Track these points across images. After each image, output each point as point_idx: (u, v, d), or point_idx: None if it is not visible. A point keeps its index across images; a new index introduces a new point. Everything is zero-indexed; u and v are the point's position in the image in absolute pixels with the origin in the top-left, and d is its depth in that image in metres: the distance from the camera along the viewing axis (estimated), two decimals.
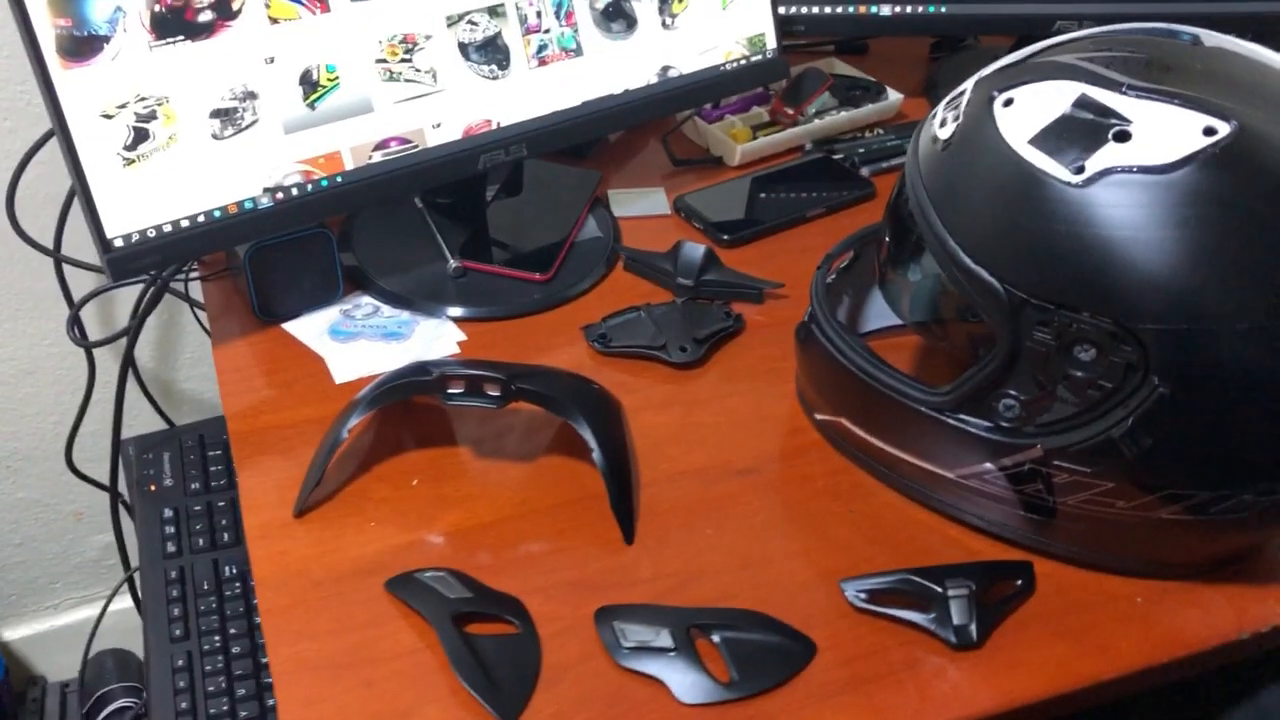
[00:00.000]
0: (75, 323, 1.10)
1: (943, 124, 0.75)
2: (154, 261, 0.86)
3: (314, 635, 0.72)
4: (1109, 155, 0.65)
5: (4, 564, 1.46)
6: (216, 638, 1.01)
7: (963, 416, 0.74)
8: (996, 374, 0.71)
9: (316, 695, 0.68)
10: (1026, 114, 0.69)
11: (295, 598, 0.74)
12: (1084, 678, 0.71)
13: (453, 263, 1.02)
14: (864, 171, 1.17)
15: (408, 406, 0.88)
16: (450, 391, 0.79)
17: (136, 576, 1.25)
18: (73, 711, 1.52)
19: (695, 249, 1.00)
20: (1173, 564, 0.75)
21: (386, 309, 0.99)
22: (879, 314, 0.93)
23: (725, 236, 1.07)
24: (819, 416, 0.86)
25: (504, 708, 0.67)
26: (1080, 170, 0.66)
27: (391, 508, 0.81)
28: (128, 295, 1.26)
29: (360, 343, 0.95)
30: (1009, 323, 0.69)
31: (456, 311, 0.98)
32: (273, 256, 0.95)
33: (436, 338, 0.95)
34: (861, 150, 1.19)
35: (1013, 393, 0.71)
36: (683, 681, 0.69)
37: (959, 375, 0.74)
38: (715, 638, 0.71)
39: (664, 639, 0.70)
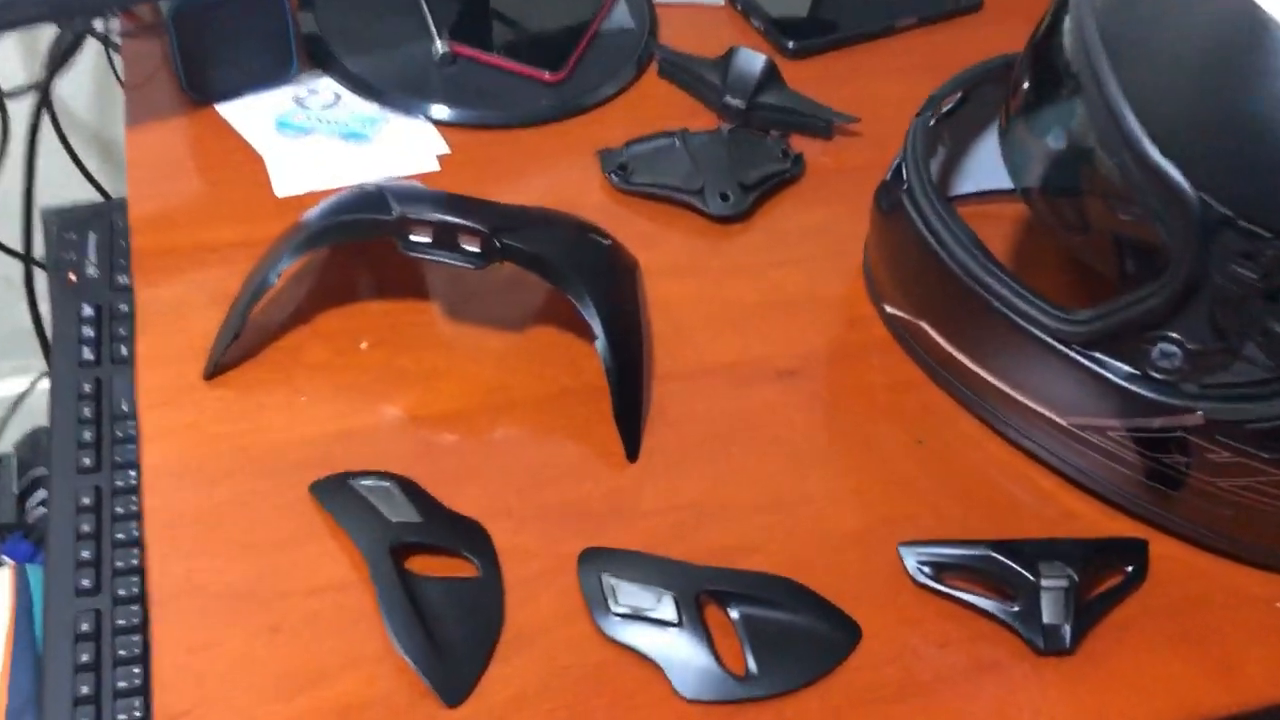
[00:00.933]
0: None
1: None
2: (35, 14, 0.64)
3: (212, 551, 0.55)
4: None
5: None
6: (132, 474, 0.85)
7: (1099, 355, 0.55)
8: (1161, 309, 0.51)
9: (206, 639, 0.52)
10: None
11: (196, 494, 0.57)
12: (1205, 704, 0.55)
13: (440, 46, 0.79)
14: None
15: (363, 246, 0.68)
16: (413, 239, 0.59)
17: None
18: (5, 488, 1.39)
19: (753, 59, 0.78)
20: None
21: (350, 99, 0.77)
22: (981, 173, 0.72)
23: (791, 43, 0.84)
24: (890, 310, 0.67)
25: (448, 683, 0.51)
26: None
27: (330, 378, 0.63)
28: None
29: (312, 141, 0.74)
30: (1196, 245, 0.49)
31: (440, 112, 0.77)
32: (208, 14, 0.73)
33: (410, 145, 0.75)
34: None
35: (1177, 337, 0.52)
36: (685, 669, 0.52)
37: (1092, 284, 0.54)
38: (733, 613, 0.54)
39: (666, 608, 0.54)
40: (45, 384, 1.22)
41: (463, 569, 0.55)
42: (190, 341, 0.63)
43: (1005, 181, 0.67)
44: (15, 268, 1.27)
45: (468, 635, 0.53)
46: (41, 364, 1.37)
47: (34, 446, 1.39)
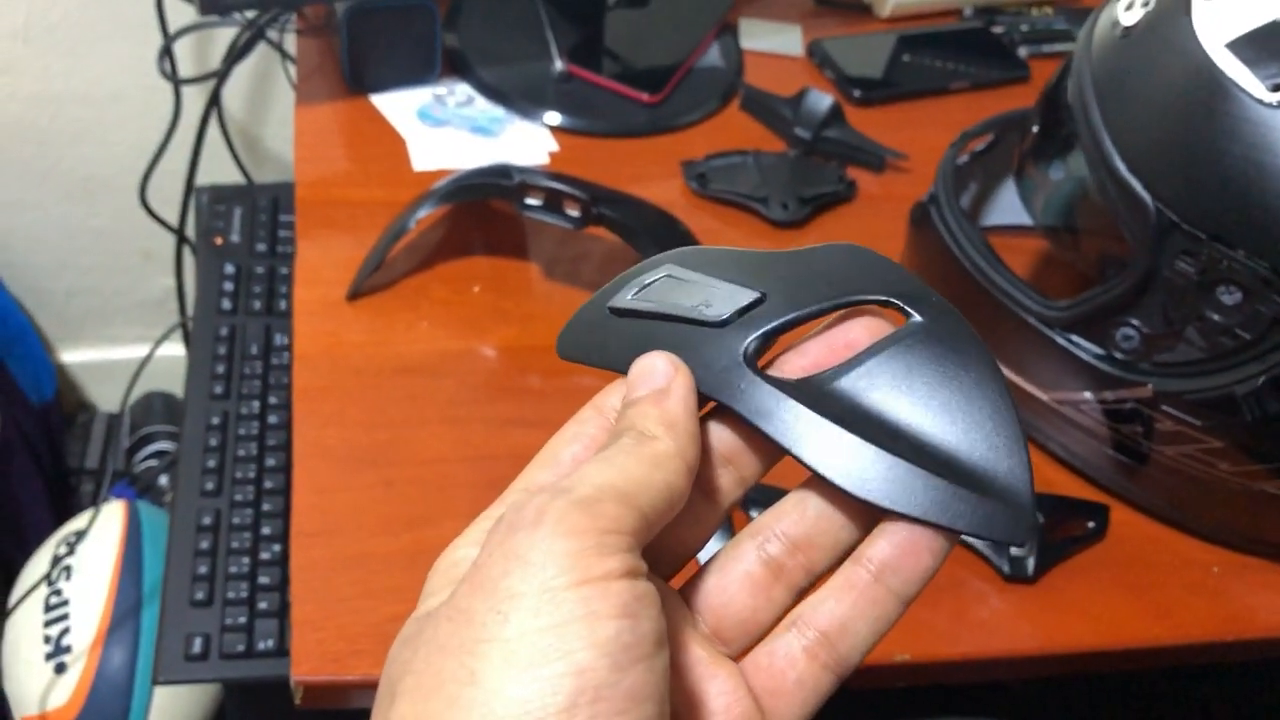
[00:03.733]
0: (166, 54, 1.06)
1: (1129, 7, 0.65)
2: (247, 1, 0.80)
3: (342, 423, 0.69)
4: None
5: (72, 288, 1.46)
6: (255, 403, 0.99)
7: (1075, 338, 0.67)
8: (1123, 298, 0.63)
9: (332, 484, 0.66)
10: (1231, 13, 0.60)
11: (331, 381, 0.71)
12: (1137, 637, 0.65)
13: (559, 65, 0.95)
14: (1021, 52, 1.06)
15: (482, 209, 0.83)
16: (528, 202, 0.73)
17: (190, 325, 1.24)
18: (118, 444, 1.54)
19: (821, 99, 0.92)
20: (1262, 541, 0.69)
21: (481, 101, 0.92)
22: (1004, 209, 0.85)
23: (857, 93, 0.98)
24: None
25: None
26: (1278, 89, 0.57)
27: (448, 310, 0.77)
28: (226, 39, 1.21)
29: (447, 131, 0.89)
30: (1151, 245, 0.61)
31: (554, 118, 0.92)
32: (372, 21, 0.89)
33: (527, 142, 0.89)
34: (1025, 28, 1.08)
35: (1135, 323, 0.64)
36: None
37: (1072, 285, 0.67)
38: (752, 514, 0.66)
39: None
40: (161, 351, 1.37)
41: None
42: (338, 274, 0.77)
43: (1024, 217, 0.80)
44: (153, 242, 1.43)
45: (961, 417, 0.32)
46: (159, 334, 1.53)
47: (146, 409, 1.54)
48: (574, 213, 0.73)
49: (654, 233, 0.75)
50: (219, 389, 1.00)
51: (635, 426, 0.32)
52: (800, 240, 0.86)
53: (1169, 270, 0.61)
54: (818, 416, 0.30)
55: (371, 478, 0.66)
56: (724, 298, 0.33)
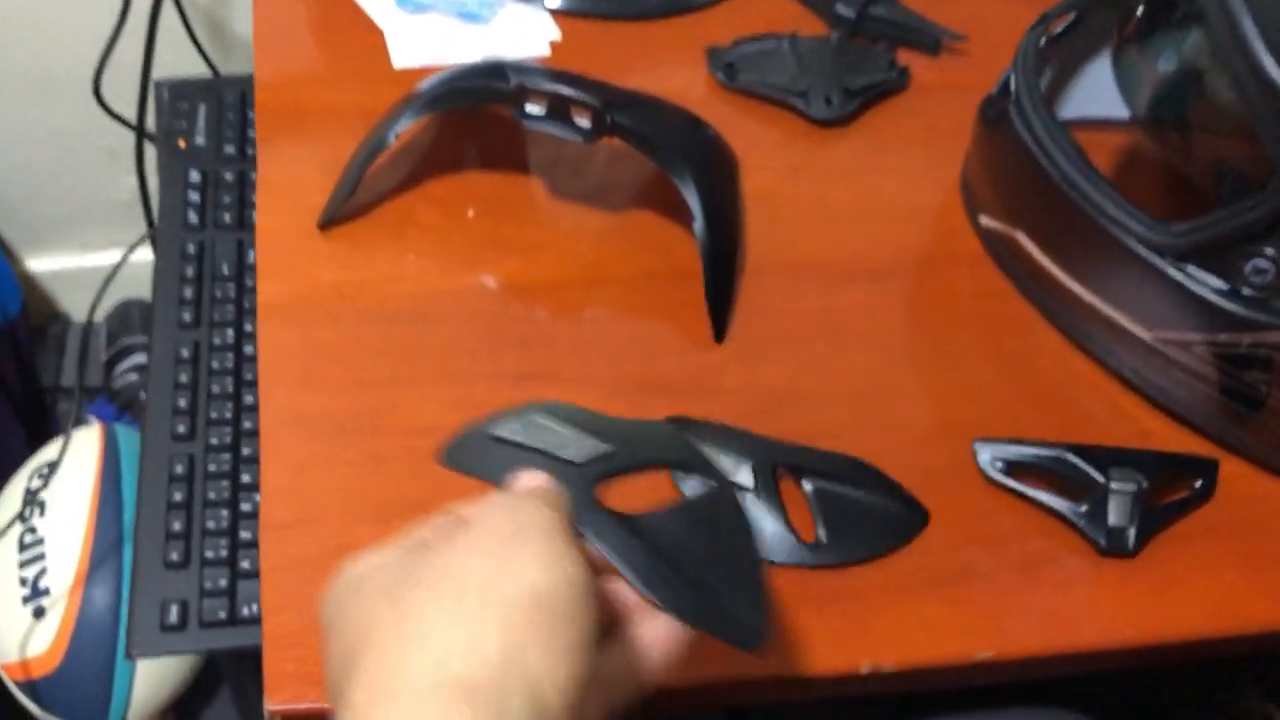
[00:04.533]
0: None
1: None
2: None
3: (320, 385, 0.58)
4: None
5: (31, 193, 1.34)
6: (229, 331, 0.88)
7: (1192, 269, 0.55)
8: (1260, 223, 0.52)
9: (309, 460, 0.55)
10: None
11: (304, 332, 0.60)
12: (1257, 620, 0.56)
13: None
14: None
15: (476, 117, 0.70)
16: (529, 110, 0.61)
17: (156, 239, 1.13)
18: (95, 355, 1.44)
19: None
20: None
21: None
22: (1085, 99, 0.72)
23: None
24: (986, 222, 0.68)
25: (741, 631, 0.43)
26: None
27: (438, 238, 0.65)
28: None
29: (431, 18, 0.76)
30: None
31: (555, 0, 0.78)
32: None
33: (524, 29, 0.76)
34: None
35: (1272, 253, 0.53)
36: (759, 532, 0.55)
37: (1191, 210, 0.55)
38: (806, 485, 0.56)
39: (744, 474, 0.56)
40: (137, 256, 1.26)
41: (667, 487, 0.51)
42: (308, 195, 0.66)
43: (1108, 110, 0.68)
44: (119, 140, 1.31)
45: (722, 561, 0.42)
46: (133, 238, 1.42)
47: (123, 318, 1.44)
48: (584, 122, 0.61)
49: (679, 143, 0.63)
50: (188, 316, 0.89)
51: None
52: (847, 141, 0.74)
53: None
54: (635, 541, 0.40)
55: (356, 452, 0.56)
56: (581, 446, 0.44)
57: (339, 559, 0.52)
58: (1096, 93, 0.69)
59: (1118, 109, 0.66)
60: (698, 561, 0.41)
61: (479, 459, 0.45)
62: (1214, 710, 0.81)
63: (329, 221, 0.64)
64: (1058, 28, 0.69)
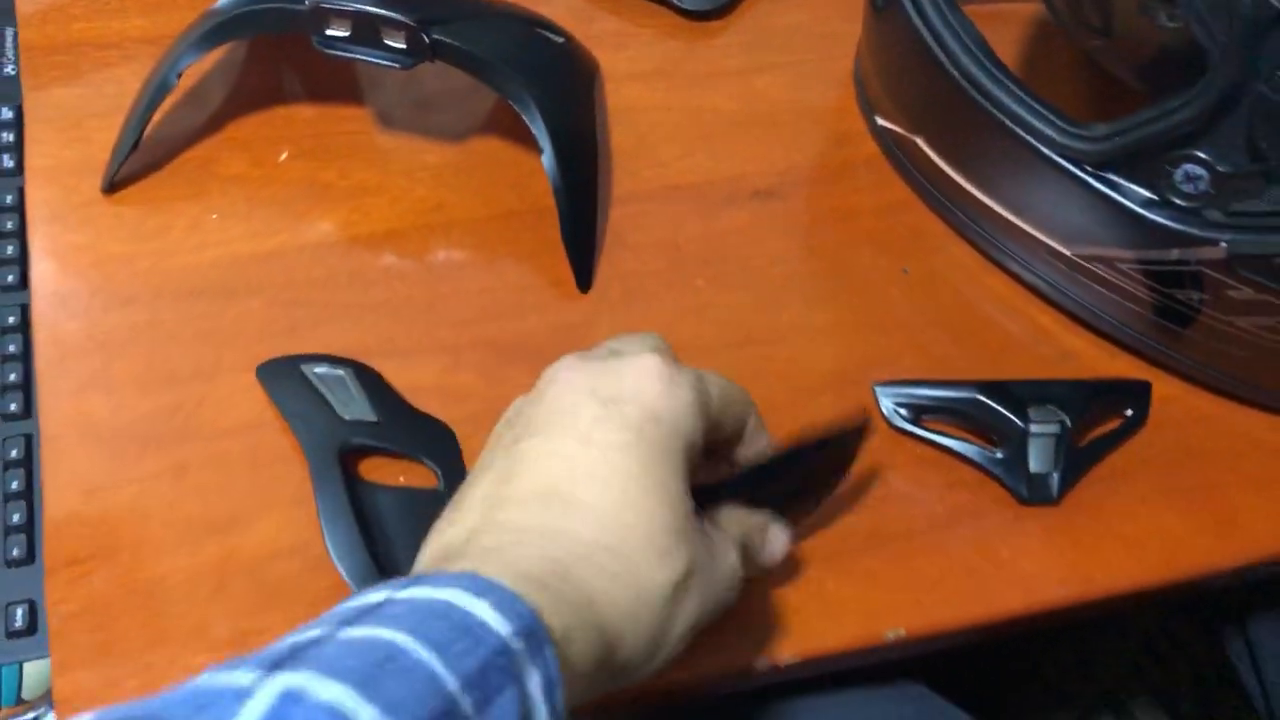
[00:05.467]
0: None
1: None
2: None
3: (110, 385, 0.49)
4: None
5: None
6: (10, 275, 0.77)
7: (1113, 178, 0.48)
8: (1191, 124, 0.44)
9: (102, 479, 0.47)
10: None
11: (90, 320, 0.51)
12: (1195, 562, 0.50)
13: None
14: None
15: (283, 44, 0.60)
16: (330, 34, 0.51)
17: None
18: None
19: None
20: None
21: None
22: None
23: None
24: (882, 123, 0.59)
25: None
26: None
27: (246, 193, 0.56)
28: None
29: None
30: (1241, 48, 0.41)
31: None
32: None
33: None
34: None
35: (1205, 157, 0.45)
36: None
37: (1113, 111, 0.47)
38: None
39: None
40: None
41: (420, 479, 0.48)
42: (88, 152, 0.55)
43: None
44: None
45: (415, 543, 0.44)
46: None
47: None
48: (397, 44, 0.51)
49: (518, 60, 0.53)
50: None
51: None
52: (724, 36, 0.65)
53: (1266, 84, 0.41)
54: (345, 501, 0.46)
55: (156, 463, 0.47)
56: (359, 409, 0.48)
57: (140, 596, 0.45)
58: None
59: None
60: (391, 539, 0.46)
61: (278, 384, 0.49)
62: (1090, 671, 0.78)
63: (113, 184, 0.54)
64: None
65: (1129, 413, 0.53)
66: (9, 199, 0.81)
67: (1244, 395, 0.53)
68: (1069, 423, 0.50)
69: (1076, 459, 0.51)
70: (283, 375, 0.49)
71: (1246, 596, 0.66)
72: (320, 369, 0.49)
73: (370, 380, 0.50)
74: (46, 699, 1.09)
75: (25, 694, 1.04)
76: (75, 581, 0.45)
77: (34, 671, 1.02)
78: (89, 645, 0.43)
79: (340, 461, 0.47)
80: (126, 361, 0.50)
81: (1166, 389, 0.54)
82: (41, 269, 0.52)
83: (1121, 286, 0.51)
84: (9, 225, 0.80)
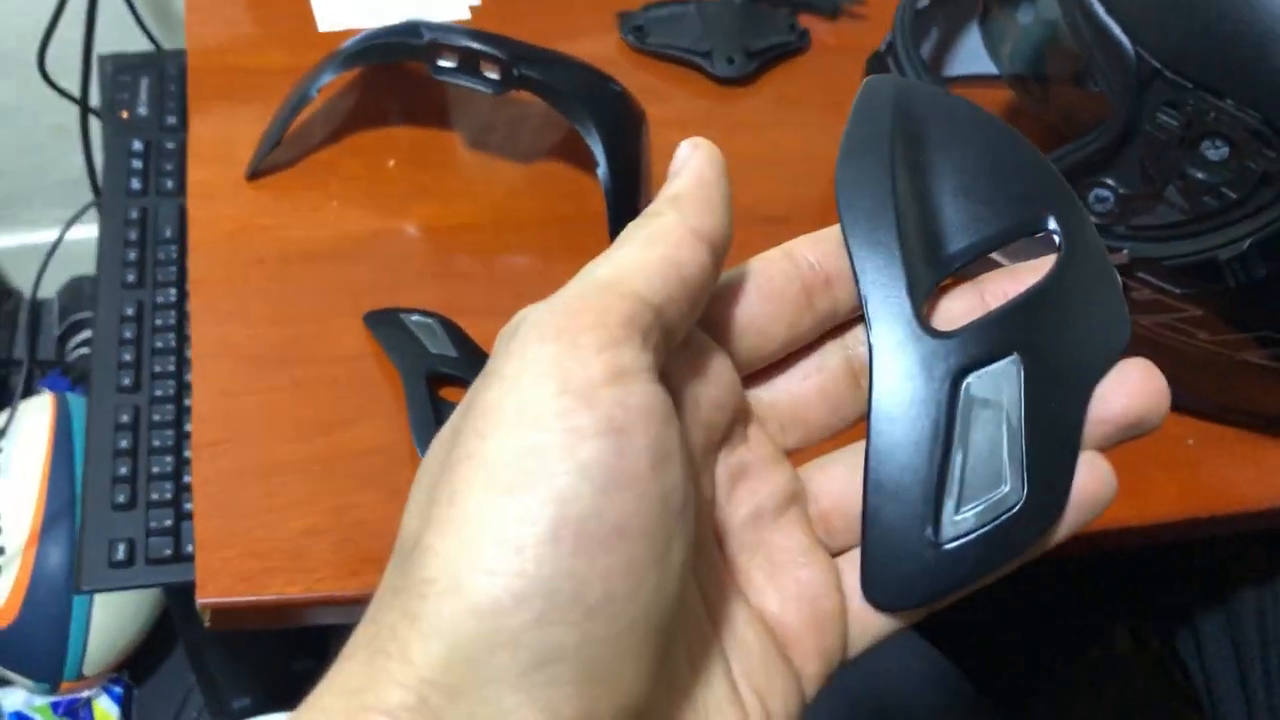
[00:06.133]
0: None
1: None
2: None
3: (246, 319, 0.63)
4: None
5: None
6: (172, 290, 0.92)
7: None
8: (1098, 156, 0.57)
9: (237, 386, 0.60)
10: None
11: (231, 272, 0.65)
12: (1112, 518, 0.61)
13: None
14: None
15: (395, 74, 0.75)
16: (441, 64, 0.66)
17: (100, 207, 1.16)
18: (48, 330, 1.47)
19: None
20: (1239, 410, 0.65)
21: None
22: (970, 58, 0.78)
23: None
24: None
25: None
26: None
27: (359, 188, 0.70)
28: None
29: None
30: (1130, 96, 0.55)
31: None
32: None
33: None
34: None
35: (1110, 182, 0.58)
36: None
37: (1051, 150, 0.60)
38: None
39: None
40: (88, 233, 1.29)
41: None
42: (237, 150, 0.70)
43: (986, 67, 0.73)
44: (64, 116, 1.34)
45: None
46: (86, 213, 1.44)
47: (75, 293, 1.46)
48: (493, 75, 0.66)
49: (586, 96, 0.68)
50: (131, 277, 0.93)
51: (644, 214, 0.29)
52: (749, 99, 0.79)
53: (1149, 124, 0.55)
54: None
55: (280, 378, 0.60)
56: (443, 347, 0.59)
57: (263, 473, 0.57)
58: (977, 51, 0.74)
59: (991, 66, 0.72)
60: None
61: (381, 327, 0.61)
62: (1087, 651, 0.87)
63: (256, 172, 0.69)
64: None
65: None
66: (133, 214, 0.96)
67: None
68: None
69: None
70: (384, 321, 0.62)
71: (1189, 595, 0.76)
72: (414, 318, 0.62)
73: (453, 329, 0.63)
74: (103, 678, 1.19)
75: (86, 669, 1.15)
76: (212, 459, 0.57)
77: (97, 647, 1.13)
78: (219, 503, 0.56)
79: (427, 382, 0.59)
80: (258, 304, 0.63)
81: None
82: (197, 230, 0.66)
83: None
84: (131, 236, 0.95)
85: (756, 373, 0.31)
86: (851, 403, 0.31)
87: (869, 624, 0.30)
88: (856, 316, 0.30)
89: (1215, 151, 0.53)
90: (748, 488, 0.30)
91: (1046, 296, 0.30)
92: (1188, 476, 0.63)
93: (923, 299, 0.29)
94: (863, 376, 0.30)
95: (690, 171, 0.30)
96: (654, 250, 0.27)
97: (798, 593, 0.29)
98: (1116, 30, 0.54)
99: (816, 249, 0.31)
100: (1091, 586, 0.90)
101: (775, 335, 0.30)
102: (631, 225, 0.28)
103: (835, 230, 0.31)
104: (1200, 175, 0.54)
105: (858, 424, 0.31)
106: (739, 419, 0.30)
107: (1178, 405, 0.64)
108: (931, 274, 0.30)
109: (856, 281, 0.29)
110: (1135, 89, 0.54)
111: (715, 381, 0.29)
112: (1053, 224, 0.32)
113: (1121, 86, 0.55)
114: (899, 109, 0.31)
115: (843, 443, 0.32)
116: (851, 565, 0.30)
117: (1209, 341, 0.59)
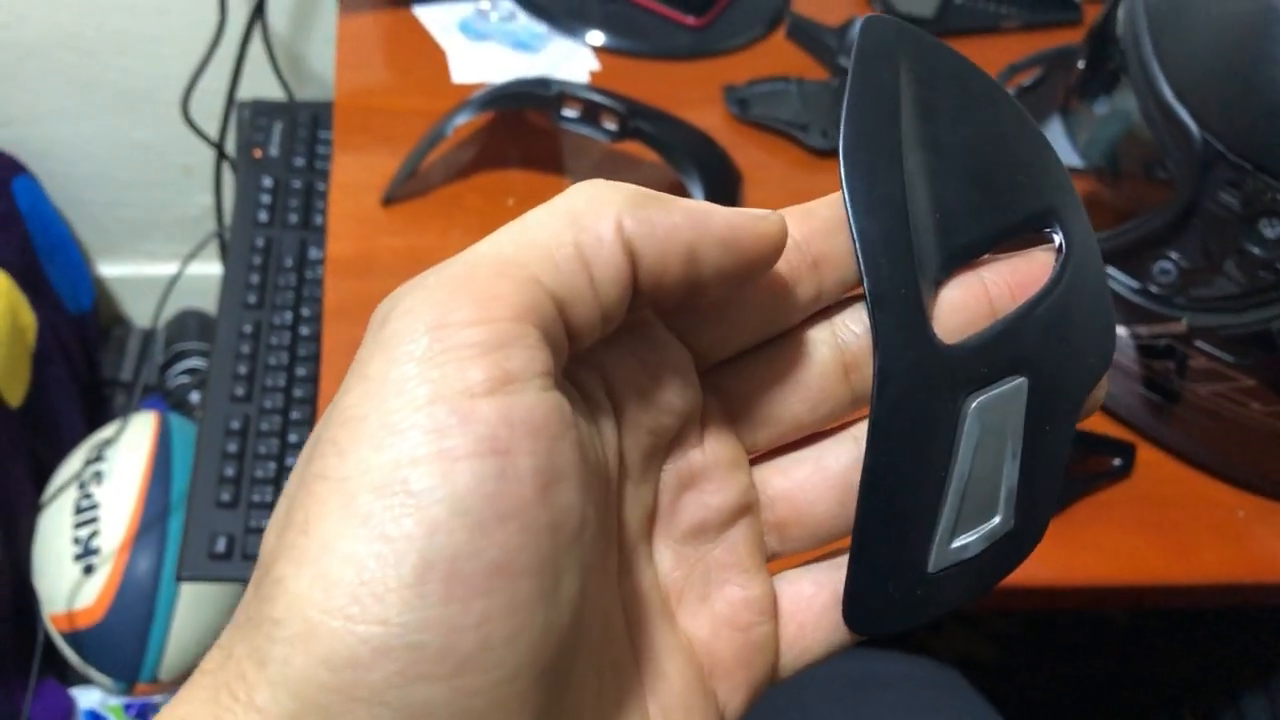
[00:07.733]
0: None
1: None
2: None
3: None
4: None
5: (112, 201, 1.47)
6: (288, 313, 1.00)
7: (1111, 270, 0.66)
8: (1164, 231, 0.63)
9: None
10: None
11: (364, 283, 0.71)
12: (1155, 574, 0.65)
13: None
14: None
15: (519, 123, 0.82)
16: (565, 113, 0.73)
17: (227, 237, 1.25)
18: (152, 358, 1.56)
19: None
20: None
21: (523, 16, 0.92)
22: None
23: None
24: None
25: None
26: None
27: (481, 220, 0.77)
28: None
29: (488, 46, 0.89)
30: (1195, 176, 0.60)
31: (596, 38, 0.91)
32: None
33: (568, 60, 0.89)
34: None
35: (1174, 256, 0.63)
36: None
37: (1107, 220, 0.66)
38: None
39: None
40: (199, 270, 1.38)
41: None
42: (374, 179, 0.77)
43: (1068, 158, 0.79)
44: (193, 157, 1.44)
45: None
46: (198, 252, 1.54)
47: (181, 326, 1.56)
48: (611, 126, 0.73)
49: (692, 151, 0.74)
50: (252, 299, 1.01)
51: None
52: (835, 172, 0.85)
53: (1211, 202, 0.60)
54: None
55: None
56: None
57: None
58: (1058, 143, 0.80)
59: (1074, 157, 0.77)
60: None
61: None
62: None
63: (391, 199, 0.76)
64: (1025, 81, 0.81)
65: (1117, 461, 0.69)
66: (259, 241, 1.04)
67: (1208, 464, 0.69)
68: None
69: (1072, 484, 0.67)
70: None
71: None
72: None
73: None
74: (175, 685, 1.24)
75: (162, 674, 1.21)
76: None
77: (174, 653, 1.18)
78: None
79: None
80: None
81: (1151, 455, 0.70)
82: (336, 245, 0.73)
83: (1118, 363, 0.68)
84: (255, 261, 1.03)
85: (723, 363, 0.27)
86: (834, 399, 0.27)
87: (808, 647, 0.27)
88: (845, 299, 0.28)
89: (1272, 230, 0.58)
90: (695, 497, 0.26)
91: (1051, 307, 0.28)
92: (1235, 544, 0.67)
93: (932, 302, 0.27)
94: (853, 370, 0.27)
95: (739, 224, 0.24)
96: (542, 231, 0.23)
97: (731, 619, 0.26)
98: (1185, 115, 0.60)
99: (805, 225, 0.26)
100: (1138, 667, 0.92)
101: (748, 323, 0.26)
102: (577, 188, 0.24)
103: (828, 202, 0.27)
104: (1257, 251, 0.59)
105: (835, 421, 0.28)
106: (693, 419, 0.26)
107: (1230, 476, 0.68)
108: (940, 271, 0.27)
109: (863, 279, 0.26)
110: (1199, 170, 0.60)
111: (668, 380, 0.25)
112: (1058, 225, 0.30)
113: (1187, 168, 0.60)
114: (906, 66, 0.28)
115: (816, 439, 0.28)
116: (797, 579, 0.28)
117: (1262, 412, 0.63)
